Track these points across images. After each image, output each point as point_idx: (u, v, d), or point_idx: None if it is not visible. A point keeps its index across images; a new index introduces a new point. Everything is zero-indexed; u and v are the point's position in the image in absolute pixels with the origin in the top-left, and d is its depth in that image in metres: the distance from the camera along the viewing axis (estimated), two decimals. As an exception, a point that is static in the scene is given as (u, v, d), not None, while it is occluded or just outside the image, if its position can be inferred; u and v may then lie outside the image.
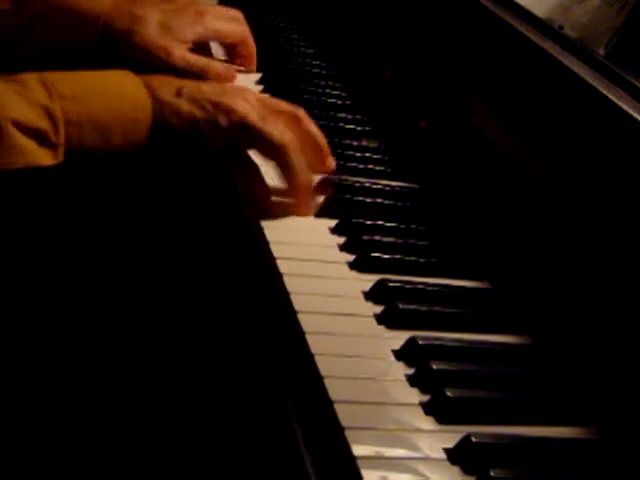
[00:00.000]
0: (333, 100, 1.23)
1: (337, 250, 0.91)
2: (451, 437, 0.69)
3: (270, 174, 0.95)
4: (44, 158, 0.85)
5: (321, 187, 0.98)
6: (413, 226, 0.97)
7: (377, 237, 0.92)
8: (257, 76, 1.25)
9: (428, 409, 0.72)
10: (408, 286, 0.86)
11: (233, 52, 1.22)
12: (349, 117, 1.19)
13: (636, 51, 0.95)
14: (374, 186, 1.03)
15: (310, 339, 0.76)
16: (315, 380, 0.72)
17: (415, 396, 0.73)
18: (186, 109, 0.93)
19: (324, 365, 0.73)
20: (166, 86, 0.94)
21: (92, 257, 1.12)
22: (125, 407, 1.03)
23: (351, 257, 0.90)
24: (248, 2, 1.52)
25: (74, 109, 0.88)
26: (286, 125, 0.96)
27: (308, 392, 0.72)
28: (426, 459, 0.67)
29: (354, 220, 0.94)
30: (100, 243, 1.13)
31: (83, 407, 1.02)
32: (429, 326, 0.81)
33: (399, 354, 0.77)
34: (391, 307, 0.82)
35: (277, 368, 0.76)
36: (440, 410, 0.72)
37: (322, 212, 0.96)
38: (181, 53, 1.10)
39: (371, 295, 0.84)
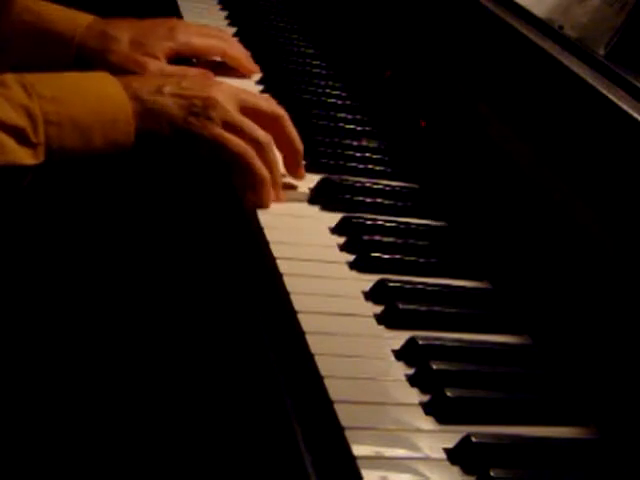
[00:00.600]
0: (333, 100, 1.23)
1: (337, 250, 0.91)
2: (451, 437, 0.69)
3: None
4: (24, 157, 0.85)
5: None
6: (413, 226, 0.97)
7: (377, 237, 0.92)
8: (257, 76, 1.25)
9: (428, 409, 0.72)
10: (408, 286, 0.86)
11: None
12: (349, 117, 1.19)
13: (636, 51, 0.95)
14: (374, 186, 1.03)
15: (310, 339, 0.76)
16: (315, 380, 0.72)
17: (415, 396, 0.73)
18: (170, 105, 0.93)
19: (324, 365, 0.73)
20: (147, 85, 0.94)
21: (90, 259, 1.12)
22: (125, 407, 1.03)
23: (351, 257, 0.89)
24: (248, 2, 1.52)
25: (54, 109, 0.88)
26: (266, 125, 0.97)
27: (308, 392, 0.72)
28: (426, 459, 0.67)
29: (354, 220, 0.94)
30: (99, 245, 1.13)
31: (83, 407, 1.02)
32: (429, 326, 0.81)
33: (399, 354, 0.77)
34: (391, 307, 0.82)
35: (277, 368, 0.76)
36: (440, 410, 0.71)
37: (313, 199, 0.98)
38: (155, 65, 1.13)
39: (371, 295, 0.84)
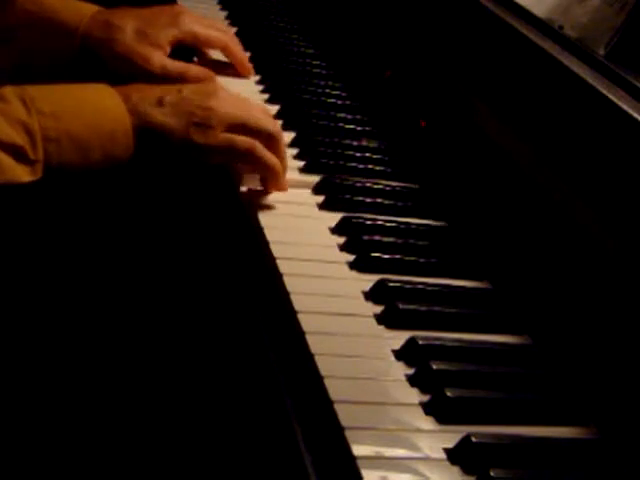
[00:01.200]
0: (333, 100, 1.23)
1: (337, 250, 0.91)
2: (451, 437, 0.69)
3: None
4: (22, 174, 0.85)
5: None
6: (413, 226, 0.97)
7: (377, 237, 0.92)
8: (257, 76, 1.25)
9: (428, 409, 0.72)
10: (408, 286, 0.86)
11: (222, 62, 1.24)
12: (349, 117, 1.19)
13: (636, 51, 0.95)
14: (374, 186, 1.03)
15: (310, 339, 0.76)
16: (315, 380, 0.72)
17: (415, 396, 0.73)
18: (171, 117, 0.93)
19: (324, 365, 0.73)
20: (146, 98, 0.94)
21: (89, 258, 1.12)
22: (125, 407, 1.03)
23: (351, 257, 0.90)
24: (248, 2, 1.52)
25: (52, 126, 0.88)
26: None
27: (308, 392, 0.72)
28: (426, 459, 0.67)
29: (354, 220, 0.94)
30: (98, 244, 1.13)
31: (83, 407, 1.02)
32: (429, 326, 0.81)
33: (399, 354, 0.77)
34: (391, 307, 0.82)
35: (277, 368, 0.76)
36: (440, 410, 0.72)
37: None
38: (159, 59, 1.12)
39: (371, 295, 0.84)
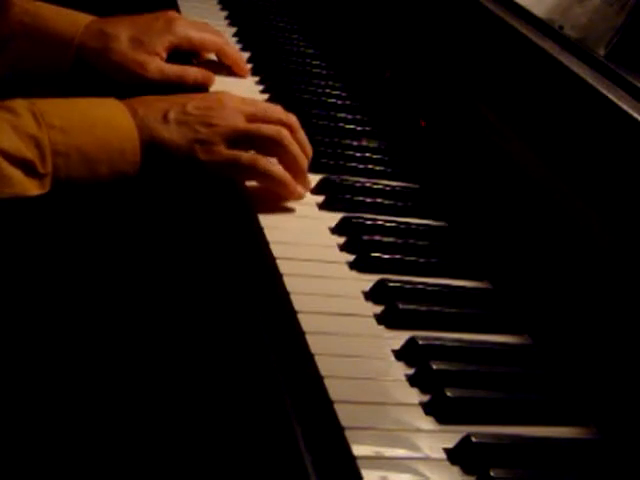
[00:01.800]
0: (333, 100, 1.23)
1: (337, 250, 0.91)
2: (451, 437, 0.69)
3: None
4: (30, 188, 0.86)
5: None
6: (413, 226, 0.97)
7: (377, 237, 0.92)
8: (257, 76, 1.25)
9: (428, 409, 0.72)
10: (408, 286, 0.86)
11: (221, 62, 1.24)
12: (349, 117, 1.19)
13: (636, 51, 0.95)
14: (374, 186, 1.03)
15: (310, 339, 0.76)
16: (315, 380, 0.72)
17: (415, 396, 0.73)
18: (176, 134, 0.93)
19: (324, 365, 0.73)
20: (153, 112, 0.94)
21: (89, 257, 1.12)
22: (125, 407, 1.03)
23: (351, 257, 0.90)
24: (248, 2, 1.52)
25: (62, 140, 0.88)
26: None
27: (308, 392, 0.72)
28: (426, 459, 0.67)
29: (354, 220, 0.94)
30: (98, 243, 1.13)
31: (83, 407, 1.02)
32: (429, 326, 0.81)
33: (399, 354, 0.77)
34: (391, 307, 0.82)
35: (277, 368, 0.76)
36: (440, 410, 0.72)
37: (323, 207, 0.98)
38: (156, 65, 1.12)
39: (371, 295, 0.84)
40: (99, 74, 1.12)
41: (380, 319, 0.81)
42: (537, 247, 0.88)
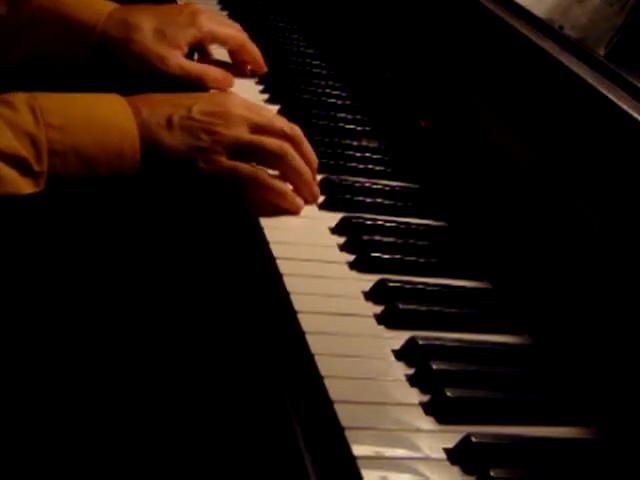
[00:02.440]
0: (333, 100, 1.23)
1: (337, 250, 0.91)
2: (451, 437, 0.69)
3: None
4: (24, 187, 0.85)
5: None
6: (413, 226, 0.97)
7: (377, 237, 0.92)
8: (257, 76, 1.25)
9: (428, 409, 0.72)
10: (408, 286, 0.86)
11: (237, 59, 1.23)
12: (349, 117, 1.19)
13: (636, 51, 0.95)
14: (374, 186, 1.03)
15: (310, 339, 0.76)
16: (315, 380, 0.72)
17: (415, 396, 0.73)
18: (178, 140, 0.92)
19: (324, 365, 0.73)
20: (156, 115, 0.93)
21: (89, 254, 1.12)
22: (125, 407, 1.03)
23: (351, 257, 0.90)
24: (248, 2, 1.52)
25: (59, 139, 0.87)
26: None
27: (308, 392, 0.72)
28: (426, 459, 0.67)
29: (354, 220, 0.94)
30: (99, 241, 1.13)
31: (83, 407, 1.02)
32: (429, 326, 0.81)
33: (399, 354, 0.77)
34: (391, 307, 0.82)
35: (277, 368, 0.76)
36: (440, 410, 0.71)
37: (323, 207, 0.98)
38: (177, 61, 1.11)
39: (371, 295, 0.84)
40: (120, 63, 1.11)
41: (380, 319, 0.81)
42: (537, 247, 0.88)
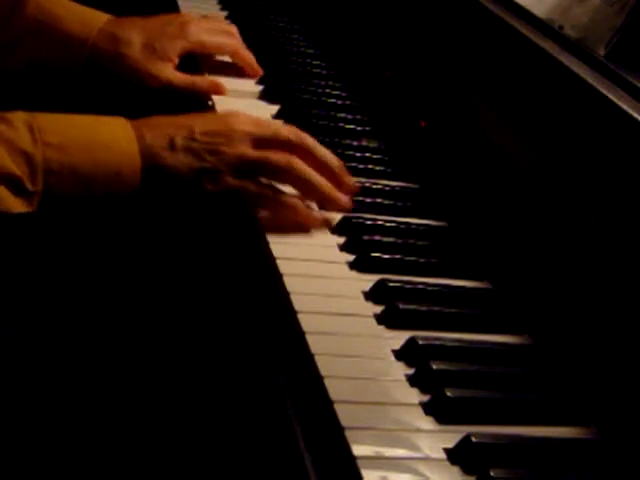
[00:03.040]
0: (333, 100, 1.23)
1: (337, 250, 0.91)
2: (451, 437, 0.69)
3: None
4: (16, 205, 0.84)
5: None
6: (413, 226, 0.97)
7: (377, 237, 0.92)
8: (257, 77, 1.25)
9: (428, 409, 0.72)
10: (408, 286, 0.86)
11: (231, 64, 1.24)
12: (349, 117, 1.19)
13: (636, 51, 0.95)
14: (374, 186, 1.03)
15: (310, 339, 0.76)
16: (315, 380, 0.72)
17: (415, 396, 0.73)
18: (181, 163, 0.91)
19: (324, 365, 0.73)
20: (159, 138, 0.91)
21: (90, 254, 1.12)
22: (125, 407, 1.03)
23: (351, 257, 0.90)
24: (248, 2, 1.52)
25: (57, 158, 0.86)
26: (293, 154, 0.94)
27: (308, 392, 0.72)
28: (426, 459, 0.67)
29: (354, 220, 0.94)
30: (99, 243, 1.13)
31: (83, 407, 1.02)
32: (429, 326, 0.81)
33: (399, 354, 0.77)
34: (391, 307, 0.82)
35: (277, 368, 0.76)
36: (440, 410, 0.71)
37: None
38: (166, 74, 1.12)
39: (371, 295, 0.84)
40: (111, 74, 1.12)
41: (380, 319, 0.81)
42: (537, 247, 0.88)
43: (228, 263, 0.95)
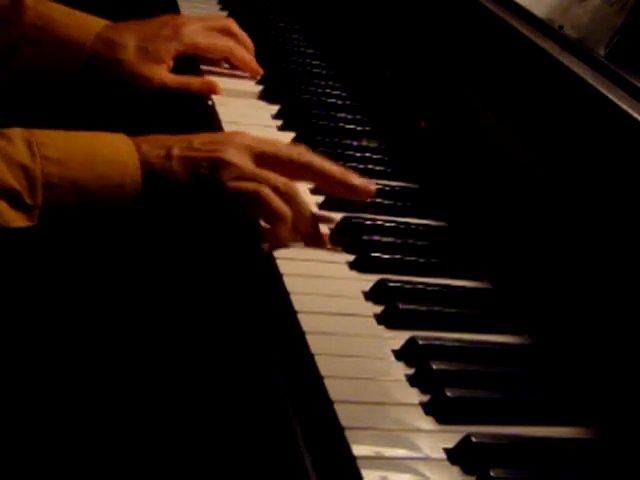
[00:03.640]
0: (333, 100, 1.23)
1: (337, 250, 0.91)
2: (451, 437, 0.69)
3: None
4: (15, 220, 0.83)
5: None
6: (413, 226, 0.97)
7: (377, 237, 0.92)
8: (257, 76, 1.25)
9: (428, 409, 0.72)
10: (408, 286, 0.86)
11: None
12: (349, 117, 1.19)
13: (636, 51, 0.95)
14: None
15: (310, 339, 0.76)
16: (315, 380, 0.72)
17: (415, 396, 0.73)
18: (179, 169, 0.90)
19: (324, 365, 0.73)
20: (155, 148, 0.91)
21: (90, 254, 1.12)
22: (125, 407, 1.03)
23: (351, 257, 0.90)
24: (248, 2, 1.52)
25: (57, 173, 0.86)
26: (291, 172, 0.92)
27: (308, 392, 0.72)
28: (426, 459, 0.67)
29: (354, 220, 0.94)
30: (99, 242, 1.13)
31: (83, 407, 1.02)
32: (429, 326, 0.81)
33: (399, 354, 0.77)
34: (391, 307, 0.82)
35: (277, 368, 0.76)
36: (440, 410, 0.71)
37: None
38: (159, 77, 1.13)
39: (371, 295, 0.84)
40: (108, 79, 1.14)
41: (380, 319, 0.81)
42: (537, 247, 0.88)
43: (228, 263, 0.95)
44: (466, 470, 0.67)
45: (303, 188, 0.97)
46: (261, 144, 0.93)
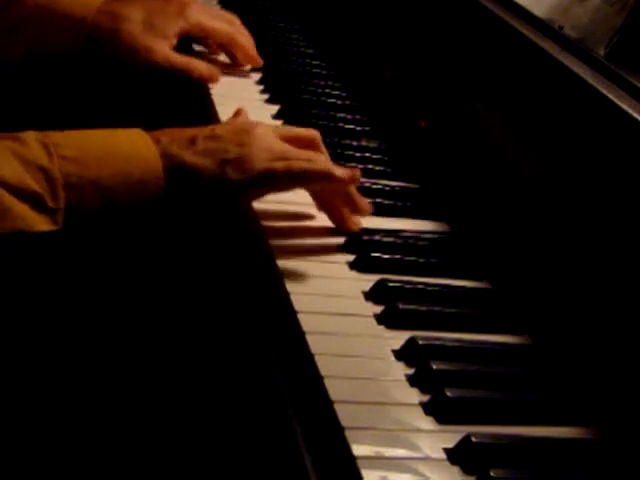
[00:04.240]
0: (333, 100, 1.23)
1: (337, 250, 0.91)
2: (451, 437, 0.69)
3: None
4: (39, 223, 0.81)
5: None
6: (413, 227, 0.97)
7: (377, 237, 0.92)
8: (257, 76, 1.25)
9: (428, 409, 0.72)
10: (408, 286, 0.86)
11: (228, 53, 1.23)
12: (349, 117, 1.19)
13: (636, 51, 0.95)
14: (374, 186, 1.03)
15: (310, 339, 0.76)
16: (315, 380, 0.72)
17: (415, 396, 0.73)
18: (203, 156, 0.88)
19: (324, 365, 0.73)
20: (177, 139, 0.89)
21: (90, 254, 1.12)
22: (125, 407, 1.03)
23: (351, 257, 0.90)
24: (248, 2, 1.52)
25: (75, 172, 0.83)
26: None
27: (308, 392, 0.72)
28: (426, 459, 0.67)
29: (354, 220, 0.94)
30: (99, 242, 1.13)
31: (83, 407, 1.02)
32: (429, 326, 0.81)
33: (399, 354, 0.77)
34: (391, 307, 0.82)
35: (277, 368, 0.76)
36: (440, 410, 0.72)
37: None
38: (163, 52, 1.11)
39: (371, 295, 0.84)
40: (111, 55, 1.11)
41: (380, 319, 0.81)
42: (537, 247, 0.88)
43: (228, 263, 0.95)
44: (466, 470, 0.67)
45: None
46: (282, 130, 0.95)
